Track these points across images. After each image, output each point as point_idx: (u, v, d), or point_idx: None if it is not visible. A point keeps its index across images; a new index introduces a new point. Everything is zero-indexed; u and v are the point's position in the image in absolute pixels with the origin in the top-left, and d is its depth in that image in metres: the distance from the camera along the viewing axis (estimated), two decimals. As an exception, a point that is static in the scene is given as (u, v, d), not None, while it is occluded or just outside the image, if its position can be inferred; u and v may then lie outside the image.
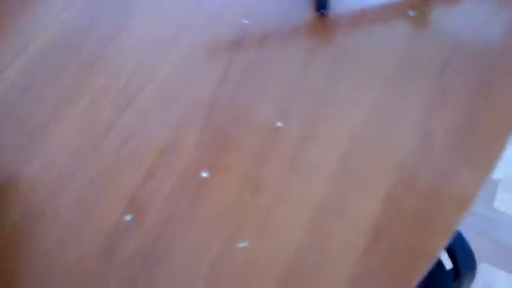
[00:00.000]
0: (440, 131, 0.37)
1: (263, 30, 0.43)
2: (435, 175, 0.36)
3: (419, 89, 0.39)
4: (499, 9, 0.42)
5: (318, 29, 0.43)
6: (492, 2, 0.42)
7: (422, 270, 0.32)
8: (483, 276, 1.06)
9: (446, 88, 0.39)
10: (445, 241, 0.34)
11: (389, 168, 0.36)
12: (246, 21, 0.44)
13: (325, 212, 0.35)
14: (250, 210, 0.36)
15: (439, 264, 0.61)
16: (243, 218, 0.36)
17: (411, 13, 0.42)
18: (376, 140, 0.38)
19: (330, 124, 0.39)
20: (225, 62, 0.42)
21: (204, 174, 0.37)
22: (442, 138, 0.37)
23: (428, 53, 0.40)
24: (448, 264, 0.59)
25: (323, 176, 0.37)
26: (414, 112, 0.38)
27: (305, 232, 0.35)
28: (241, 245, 0.34)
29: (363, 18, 0.43)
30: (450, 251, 0.58)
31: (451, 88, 0.39)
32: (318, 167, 0.37)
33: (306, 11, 0.43)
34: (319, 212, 0.35)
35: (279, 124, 0.39)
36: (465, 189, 0.35)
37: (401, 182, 0.36)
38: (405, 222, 0.34)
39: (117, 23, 0.47)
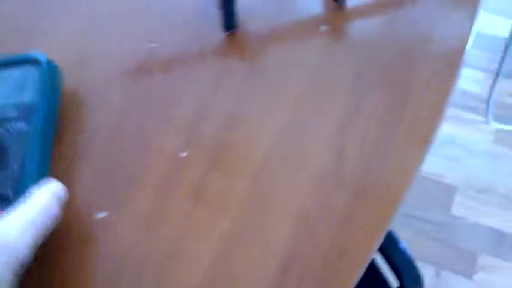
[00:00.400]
0: (355, 146, 0.35)
1: (169, 53, 0.41)
2: (351, 193, 0.34)
3: (332, 105, 0.37)
4: (417, 20, 0.41)
5: (227, 49, 0.41)
6: (409, 13, 0.41)
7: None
8: (443, 283, 1.05)
9: (360, 102, 0.37)
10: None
11: (302, 189, 0.34)
12: (154, 45, 0.41)
13: (233, 241, 0.33)
14: (153, 246, 0.33)
15: (385, 282, 0.60)
16: (146, 256, 0.33)
17: (323, 28, 0.40)
18: (287, 161, 0.35)
19: (238, 148, 0.36)
20: (126, 89, 0.39)
21: (100, 215, 0.34)
22: (356, 153, 0.35)
23: (341, 67, 0.39)
24: (394, 283, 0.57)
25: (231, 203, 0.34)
26: (327, 129, 0.36)
27: (212, 266, 0.32)
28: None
29: (273, 35, 0.41)
30: (395, 269, 0.56)
31: (364, 101, 0.37)
32: (226, 195, 0.34)
33: (214, 31, 0.41)
34: (227, 241, 0.33)
35: (184, 154, 0.36)
36: (382, 208, 0.33)
37: (316, 203, 0.33)
38: (319, 248, 0.32)
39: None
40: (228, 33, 0.41)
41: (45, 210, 0.29)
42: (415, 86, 0.37)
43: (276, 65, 0.39)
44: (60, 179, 0.32)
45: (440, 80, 0.37)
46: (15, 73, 0.37)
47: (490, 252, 1.06)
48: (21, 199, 0.30)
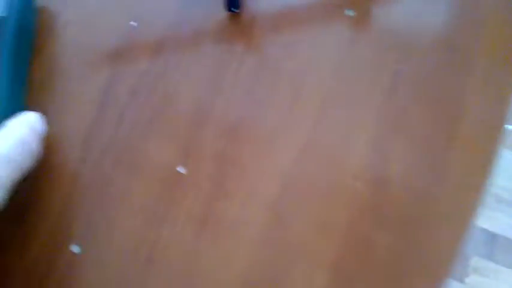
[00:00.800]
0: (396, 164, 0.28)
1: (157, 34, 0.32)
2: (395, 233, 0.26)
3: (365, 110, 0.30)
4: (472, 5, 0.33)
5: (229, 33, 0.32)
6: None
7: None
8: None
9: (399, 109, 0.30)
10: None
11: (335, 228, 0.27)
12: (134, 23, 0.33)
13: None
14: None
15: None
16: None
17: (349, 12, 0.33)
18: (311, 187, 0.28)
19: (251, 166, 0.28)
20: (106, 78, 0.31)
21: (75, 250, 0.26)
22: (398, 181, 0.28)
23: (373, 62, 0.31)
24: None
25: (246, 240, 0.26)
26: (360, 141, 0.29)
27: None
28: None
29: (287, 18, 0.33)
30: None
31: (405, 109, 0.30)
32: (239, 228, 0.27)
33: (213, 10, 0.33)
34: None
35: (181, 170, 0.28)
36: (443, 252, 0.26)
37: (352, 249, 0.26)
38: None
39: None
40: (231, 12, 0.33)
41: (22, 145, 0.24)
42: (469, 94, 0.30)
43: (290, 56, 0.32)
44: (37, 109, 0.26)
45: (497, 89, 0.30)
46: None
47: (482, 255, 1.02)
48: None
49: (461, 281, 1.00)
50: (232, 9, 0.32)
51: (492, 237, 1.05)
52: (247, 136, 0.29)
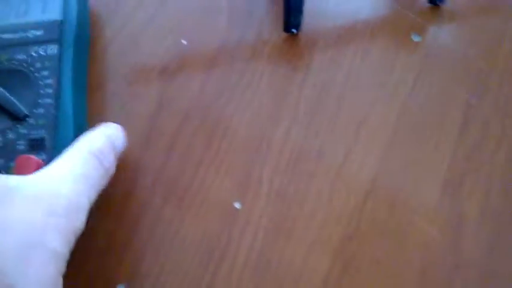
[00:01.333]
0: (474, 211, 0.26)
1: (209, 54, 0.30)
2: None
3: (435, 146, 0.27)
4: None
5: (287, 55, 0.30)
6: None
7: None
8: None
9: (474, 145, 0.27)
10: None
11: (408, 271, 0.24)
12: (184, 42, 0.30)
13: None
14: None
15: None
16: None
17: (415, 37, 0.30)
18: (382, 228, 0.25)
19: (315, 206, 0.26)
20: (156, 99, 0.29)
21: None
22: (474, 226, 0.25)
23: (444, 93, 0.29)
24: None
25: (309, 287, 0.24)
26: (431, 185, 0.26)
27: None
28: None
29: (349, 42, 0.30)
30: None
31: (481, 144, 0.27)
32: (302, 275, 0.24)
33: (267, 29, 0.31)
34: None
35: (238, 206, 0.26)
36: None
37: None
38: None
39: None
40: (289, 33, 0.30)
41: (100, 162, 0.21)
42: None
43: (353, 84, 0.29)
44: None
45: None
46: None
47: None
48: (61, 143, 0.23)
49: None
50: (292, 30, 0.30)
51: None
52: (309, 172, 0.27)
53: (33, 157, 0.23)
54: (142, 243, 0.25)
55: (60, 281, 0.18)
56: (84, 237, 0.20)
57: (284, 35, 0.30)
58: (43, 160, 0.23)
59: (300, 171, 0.27)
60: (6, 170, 0.23)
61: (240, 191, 0.26)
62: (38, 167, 0.22)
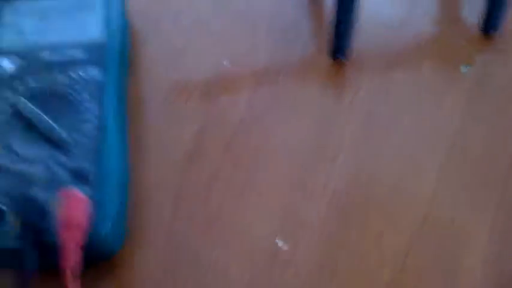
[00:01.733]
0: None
1: (251, 78, 0.29)
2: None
3: (487, 184, 0.26)
4: None
5: (333, 82, 0.29)
6: None
7: None
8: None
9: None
10: None
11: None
12: (226, 63, 0.29)
13: None
14: None
15: None
16: None
17: (465, 69, 0.29)
18: (436, 264, 0.25)
19: (363, 247, 0.25)
20: (197, 129, 0.27)
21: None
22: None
23: (494, 128, 0.28)
24: None
25: None
26: (483, 225, 0.25)
27: None
28: None
29: (397, 70, 0.29)
30: None
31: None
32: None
33: (311, 53, 0.29)
34: None
35: (280, 243, 0.25)
36: None
37: None
38: None
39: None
40: (335, 60, 0.29)
41: None
42: None
43: (400, 114, 0.28)
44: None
45: None
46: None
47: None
48: (106, 178, 0.22)
49: None
50: (338, 56, 0.29)
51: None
52: (355, 212, 0.26)
53: (78, 192, 0.22)
54: (178, 283, 0.24)
55: None
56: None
57: (329, 60, 0.29)
58: (87, 195, 0.22)
59: (345, 212, 0.26)
60: (49, 202, 0.22)
61: (282, 229, 0.25)
62: (84, 205, 0.21)
